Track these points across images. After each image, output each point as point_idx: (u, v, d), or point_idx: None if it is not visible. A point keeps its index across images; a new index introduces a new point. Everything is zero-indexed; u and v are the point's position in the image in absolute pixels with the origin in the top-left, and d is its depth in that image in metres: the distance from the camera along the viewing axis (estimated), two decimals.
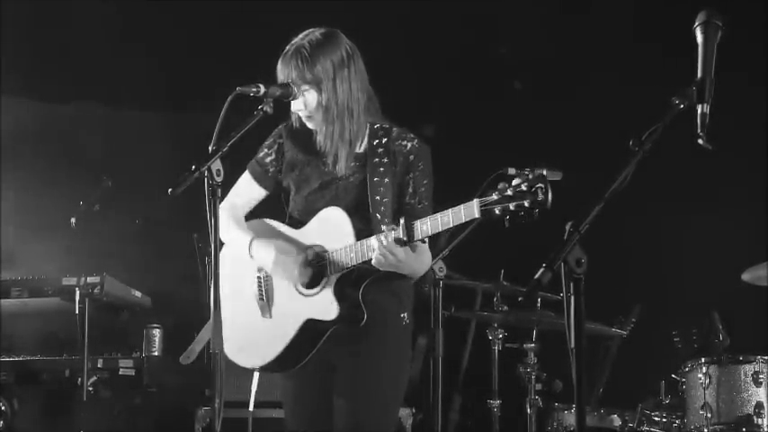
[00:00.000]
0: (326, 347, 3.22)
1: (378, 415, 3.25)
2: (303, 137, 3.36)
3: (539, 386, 5.14)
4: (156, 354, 5.27)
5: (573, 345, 2.22)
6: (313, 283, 3.25)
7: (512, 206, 2.72)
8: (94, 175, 5.91)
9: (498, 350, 5.26)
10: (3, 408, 5.11)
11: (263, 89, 3.02)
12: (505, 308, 5.25)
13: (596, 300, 2.72)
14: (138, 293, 5.47)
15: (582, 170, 3.53)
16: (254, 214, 3.50)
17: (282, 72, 3.19)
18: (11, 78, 6.17)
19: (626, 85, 5.81)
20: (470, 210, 2.85)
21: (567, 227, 2.22)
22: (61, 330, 5.18)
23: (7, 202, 6.07)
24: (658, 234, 5.85)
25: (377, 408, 3.24)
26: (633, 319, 5.55)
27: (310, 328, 3.22)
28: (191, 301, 5.18)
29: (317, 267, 3.25)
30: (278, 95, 3.08)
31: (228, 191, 3.44)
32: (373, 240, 3.06)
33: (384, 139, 3.29)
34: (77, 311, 5.00)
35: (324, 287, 3.21)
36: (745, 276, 4.71)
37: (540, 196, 2.68)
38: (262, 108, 3.02)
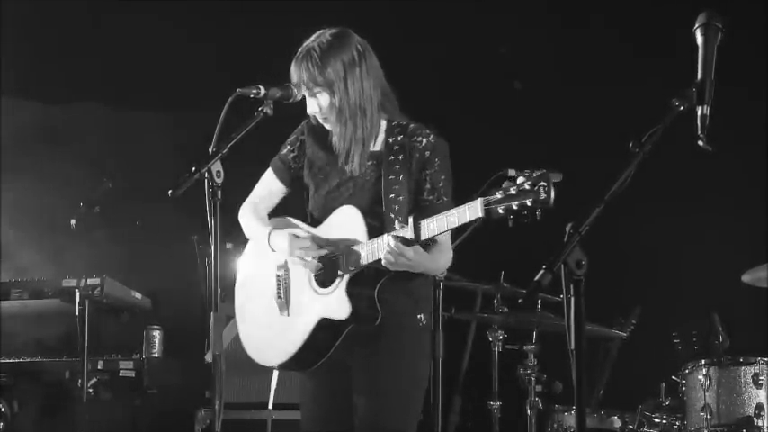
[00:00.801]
0: (343, 347, 3.21)
1: (398, 411, 3.21)
2: (322, 135, 3.36)
3: (539, 387, 5.12)
4: (156, 355, 5.26)
5: (573, 346, 2.22)
6: (328, 281, 3.25)
7: (515, 205, 2.70)
8: (95, 176, 5.91)
9: (498, 352, 5.25)
10: (3, 409, 5.11)
11: (263, 91, 3.03)
12: (505, 309, 5.24)
13: (596, 301, 2.72)
14: (138, 295, 5.46)
15: (582, 171, 3.53)
16: (276, 214, 3.51)
17: (295, 75, 3.21)
18: (11, 78, 6.17)
19: (626, 85, 5.81)
20: (474, 209, 2.83)
21: (567, 228, 2.22)
22: (61, 332, 5.17)
23: (7, 202, 6.06)
24: (658, 235, 5.84)
25: (397, 405, 3.21)
26: (633, 321, 5.54)
27: (325, 327, 3.21)
28: (191, 303, 5.18)
29: (329, 264, 3.25)
30: (278, 97, 3.08)
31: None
32: (383, 240, 3.06)
33: (400, 137, 3.28)
34: (77, 313, 4.99)
35: (337, 286, 3.20)
36: (746, 278, 4.70)
37: (543, 195, 2.65)
38: (262, 110, 3.03)
